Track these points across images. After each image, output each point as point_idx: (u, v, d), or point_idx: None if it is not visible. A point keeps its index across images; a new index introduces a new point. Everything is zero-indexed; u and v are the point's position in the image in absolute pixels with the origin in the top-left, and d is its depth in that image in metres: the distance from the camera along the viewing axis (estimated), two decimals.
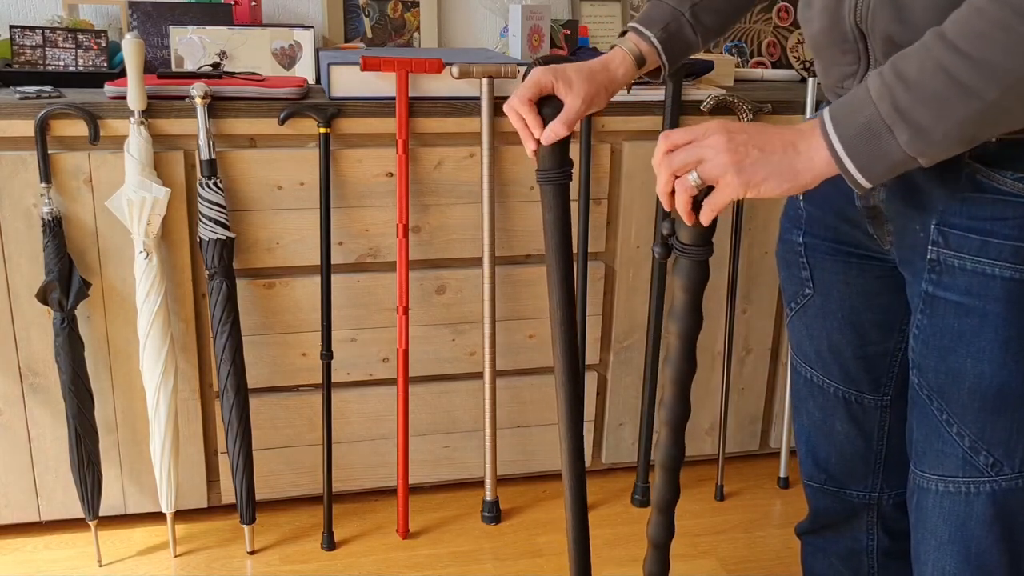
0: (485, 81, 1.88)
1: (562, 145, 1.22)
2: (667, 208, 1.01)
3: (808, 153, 0.92)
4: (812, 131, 0.92)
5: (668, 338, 1.11)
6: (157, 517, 2.03)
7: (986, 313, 1.00)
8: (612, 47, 1.28)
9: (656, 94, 1.99)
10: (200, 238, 1.80)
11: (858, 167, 0.89)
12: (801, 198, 1.23)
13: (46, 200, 1.74)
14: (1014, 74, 0.81)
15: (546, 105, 1.20)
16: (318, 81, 2.05)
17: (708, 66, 2.08)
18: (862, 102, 0.89)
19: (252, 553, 1.97)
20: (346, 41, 2.32)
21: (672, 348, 1.11)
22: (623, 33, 1.28)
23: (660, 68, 1.29)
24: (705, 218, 0.99)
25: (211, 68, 1.93)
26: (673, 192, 0.99)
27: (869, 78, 0.89)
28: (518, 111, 1.20)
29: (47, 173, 1.73)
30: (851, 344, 1.24)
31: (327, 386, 1.95)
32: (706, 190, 0.97)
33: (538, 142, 1.21)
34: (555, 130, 1.19)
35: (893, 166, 0.89)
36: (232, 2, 2.12)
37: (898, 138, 0.87)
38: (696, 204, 0.99)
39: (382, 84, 1.87)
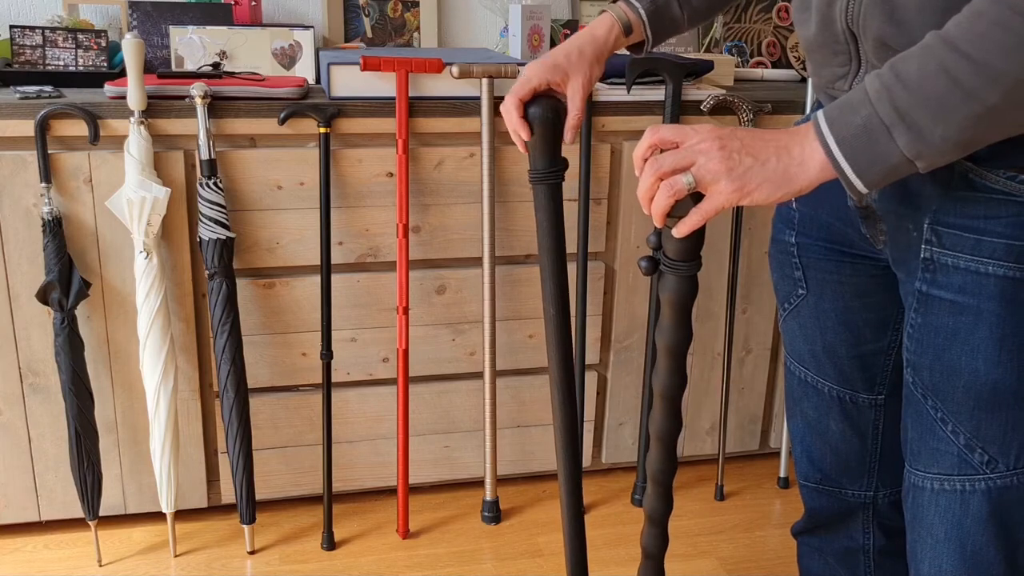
0: (485, 81, 1.88)
1: (554, 145, 1.21)
2: (646, 211, 0.95)
3: (802, 157, 0.90)
4: (806, 134, 0.90)
5: (658, 353, 1.07)
6: (157, 517, 2.03)
7: (980, 311, 1.00)
8: (601, 12, 1.27)
9: (656, 94, 1.99)
10: (200, 238, 1.81)
11: (855, 170, 0.88)
12: (793, 199, 1.23)
13: (46, 200, 1.74)
14: (1013, 76, 0.81)
15: (532, 105, 1.20)
16: (318, 81, 2.05)
17: (708, 66, 2.07)
18: (859, 103, 0.87)
19: (252, 553, 1.97)
20: (346, 41, 2.33)
21: (660, 363, 1.06)
22: (614, 1, 1.28)
23: (644, 42, 1.28)
24: (688, 226, 0.93)
25: (211, 68, 1.93)
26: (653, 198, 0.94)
27: (867, 80, 0.88)
28: (507, 114, 1.22)
29: (47, 173, 1.74)
30: (845, 343, 1.24)
31: (327, 386, 1.96)
32: (694, 197, 0.92)
33: (525, 142, 1.22)
34: (572, 127, 1.21)
35: (890, 169, 0.87)
36: (232, 2, 2.12)
37: (897, 140, 0.85)
38: (679, 213, 0.93)
39: (382, 84, 1.87)
